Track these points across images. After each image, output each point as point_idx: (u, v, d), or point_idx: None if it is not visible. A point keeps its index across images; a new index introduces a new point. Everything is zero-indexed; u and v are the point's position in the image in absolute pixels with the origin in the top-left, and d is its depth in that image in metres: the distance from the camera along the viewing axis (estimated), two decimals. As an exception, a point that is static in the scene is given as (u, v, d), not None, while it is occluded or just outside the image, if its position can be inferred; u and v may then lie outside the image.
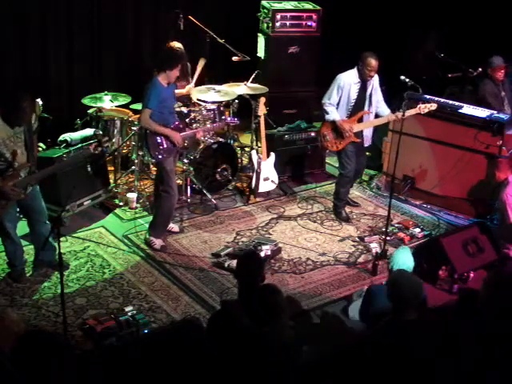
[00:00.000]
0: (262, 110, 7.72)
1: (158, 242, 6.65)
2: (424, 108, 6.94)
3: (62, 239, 5.20)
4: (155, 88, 6.25)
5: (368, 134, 7.24)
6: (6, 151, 5.43)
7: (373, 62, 6.81)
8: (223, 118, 7.73)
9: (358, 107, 7.04)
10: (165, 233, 6.80)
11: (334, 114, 7.02)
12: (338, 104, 7.02)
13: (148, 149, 6.49)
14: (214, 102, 7.72)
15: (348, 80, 6.95)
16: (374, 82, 7.04)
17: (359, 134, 7.13)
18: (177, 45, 7.47)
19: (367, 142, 7.30)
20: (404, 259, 5.10)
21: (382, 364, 3.97)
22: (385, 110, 7.14)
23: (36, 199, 5.84)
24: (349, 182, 7.41)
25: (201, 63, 7.89)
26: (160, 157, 6.39)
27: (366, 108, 7.05)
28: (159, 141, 6.35)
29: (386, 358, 3.96)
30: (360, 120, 7.09)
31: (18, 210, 5.91)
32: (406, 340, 3.98)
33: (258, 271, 4.81)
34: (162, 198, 6.55)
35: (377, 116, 7.15)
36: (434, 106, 6.99)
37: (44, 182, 5.90)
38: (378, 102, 7.11)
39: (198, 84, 7.92)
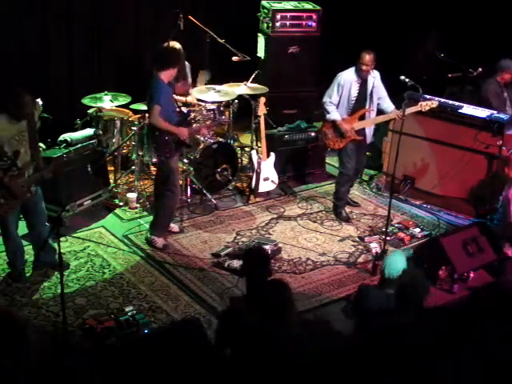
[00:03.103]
0: (261, 110, 7.72)
1: (159, 241, 6.66)
2: (425, 105, 6.95)
3: (61, 239, 5.20)
4: (161, 85, 6.28)
5: (370, 131, 7.25)
6: (8, 149, 5.46)
7: (366, 57, 6.83)
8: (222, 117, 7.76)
9: (358, 105, 7.05)
10: (166, 232, 6.81)
11: (335, 113, 7.03)
12: (338, 102, 7.03)
13: (156, 147, 6.51)
14: (213, 102, 7.72)
15: (348, 78, 6.97)
16: (375, 79, 7.04)
17: (361, 132, 7.13)
18: (176, 45, 7.51)
19: (369, 140, 7.30)
20: (398, 263, 5.08)
21: (378, 368, 3.95)
22: (389, 106, 7.11)
23: (38, 201, 5.86)
24: (348, 181, 7.41)
25: (201, 76, 7.87)
26: (168, 155, 6.41)
27: (367, 106, 7.05)
28: (167, 139, 6.36)
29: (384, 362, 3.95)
30: (361, 118, 7.09)
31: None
32: (408, 346, 3.97)
33: (264, 266, 4.78)
34: (165, 196, 6.55)
35: (380, 112, 7.16)
36: (434, 104, 6.99)
37: (44, 182, 5.90)
38: (380, 99, 7.10)
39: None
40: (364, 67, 6.87)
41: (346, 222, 7.34)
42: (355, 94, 7.00)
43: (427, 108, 6.96)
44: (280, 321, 4.15)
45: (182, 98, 7.68)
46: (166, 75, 6.30)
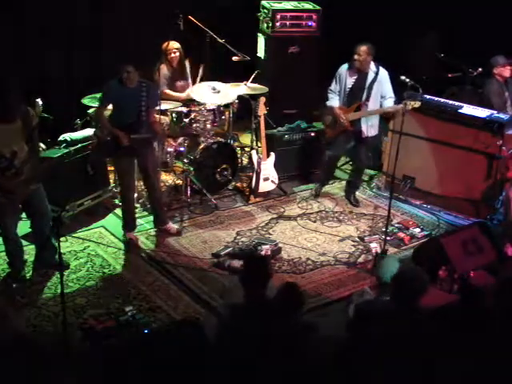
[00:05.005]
0: (261, 110, 7.72)
1: (128, 236, 6.73)
2: (408, 105, 6.84)
3: (61, 239, 5.21)
4: (108, 87, 6.36)
5: (366, 125, 7.25)
6: (1, 148, 5.45)
7: (360, 47, 6.98)
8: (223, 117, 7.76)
9: (354, 97, 7.19)
10: (135, 226, 6.84)
11: (333, 100, 7.27)
12: (339, 91, 7.25)
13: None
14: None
15: (344, 68, 7.20)
16: (378, 76, 7.09)
17: (355, 124, 7.22)
18: (175, 45, 7.52)
19: (368, 133, 7.30)
20: (389, 267, 5.07)
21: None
22: (388, 105, 7.19)
23: (41, 200, 5.87)
24: (327, 166, 7.80)
25: (201, 69, 7.86)
26: (107, 155, 6.59)
27: (363, 99, 7.13)
28: (109, 140, 6.38)
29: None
30: (357, 110, 7.21)
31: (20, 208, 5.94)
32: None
33: (265, 271, 4.73)
34: (121, 197, 6.80)
35: None
36: (417, 104, 6.84)
37: (44, 182, 5.90)
38: (382, 99, 7.16)
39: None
40: (356, 57, 7.02)
41: (315, 198, 7.76)
42: (350, 86, 7.16)
43: (409, 108, 6.82)
44: (289, 321, 4.13)
45: (181, 95, 7.68)
46: (127, 77, 6.22)
